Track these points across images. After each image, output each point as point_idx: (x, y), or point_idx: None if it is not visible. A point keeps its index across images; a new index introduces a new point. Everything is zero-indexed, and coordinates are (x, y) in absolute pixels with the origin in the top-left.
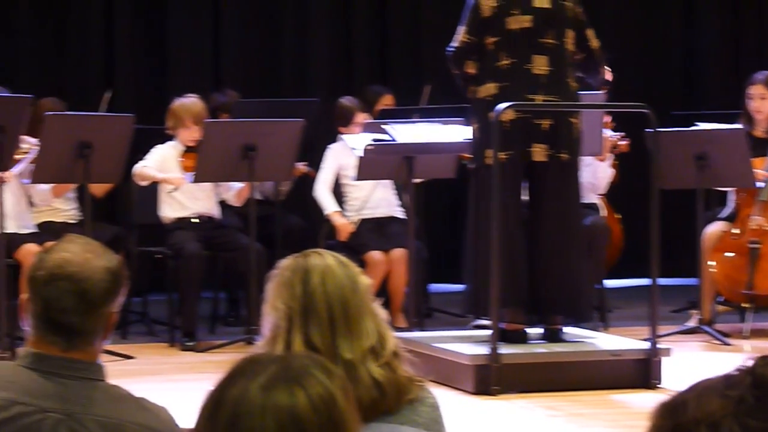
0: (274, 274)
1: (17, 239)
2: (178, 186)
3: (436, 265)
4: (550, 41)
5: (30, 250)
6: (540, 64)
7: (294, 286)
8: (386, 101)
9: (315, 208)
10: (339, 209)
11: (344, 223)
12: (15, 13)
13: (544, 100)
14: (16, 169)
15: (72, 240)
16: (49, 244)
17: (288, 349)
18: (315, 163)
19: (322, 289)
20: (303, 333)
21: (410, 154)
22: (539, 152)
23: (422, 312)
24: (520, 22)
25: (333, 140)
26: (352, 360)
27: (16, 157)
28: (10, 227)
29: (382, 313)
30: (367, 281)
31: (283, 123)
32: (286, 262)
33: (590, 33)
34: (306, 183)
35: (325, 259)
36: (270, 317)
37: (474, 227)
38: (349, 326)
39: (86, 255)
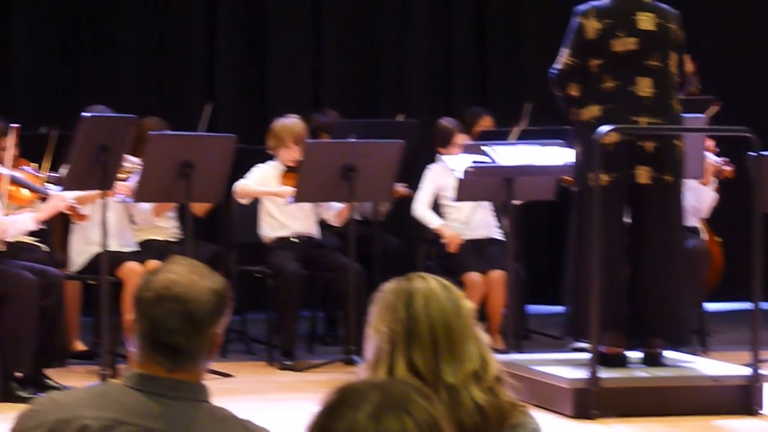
0: (378, 297)
1: (119, 257)
2: (287, 197)
3: (534, 286)
4: (655, 63)
5: (132, 268)
6: (644, 87)
7: (397, 309)
8: (485, 123)
9: (413, 228)
10: (444, 222)
11: (453, 234)
12: (118, 34)
13: (649, 123)
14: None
15: (178, 261)
16: (151, 262)
17: (391, 373)
18: (414, 184)
19: (426, 312)
20: (406, 356)
21: (510, 175)
22: (643, 174)
23: (520, 334)
24: (625, 44)
25: (432, 161)
26: (454, 384)
27: (120, 176)
28: (113, 245)
29: (485, 338)
30: (470, 305)
31: (382, 144)
32: (389, 286)
33: (687, 57)
34: (405, 204)
35: (428, 283)
36: (373, 340)
37: (576, 250)
38: (451, 350)
39: (192, 276)
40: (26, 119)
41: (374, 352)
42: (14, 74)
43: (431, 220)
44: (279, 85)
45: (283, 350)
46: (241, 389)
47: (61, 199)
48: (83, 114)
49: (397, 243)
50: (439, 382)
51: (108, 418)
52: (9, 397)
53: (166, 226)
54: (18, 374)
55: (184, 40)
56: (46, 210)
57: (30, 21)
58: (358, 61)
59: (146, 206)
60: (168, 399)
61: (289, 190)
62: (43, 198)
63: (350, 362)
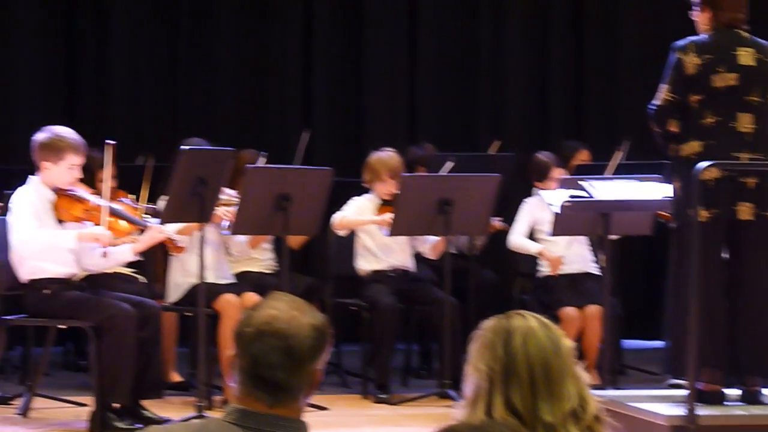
0: (477, 335)
1: (216, 289)
2: (387, 225)
3: (630, 321)
4: (755, 99)
5: (228, 300)
6: (745, 122)
7: (496, 347)
8: (582, 156)
9: (509, 262)
10: (542, 246)
11: (555, 256)
12: (215, 67)
13: (750, 159)
14: (225, 223)
15: (278, 297)
16: (247, 294)
17: (489, 411)
18: (509, 217)
19: (524, 351)
20: (504, 395)
21: (607, 210)
22: (745, 211)
23: (616, 369)
24: (725, 80)
25: (528, 195)
26: (552, 423)
27: (222, 209)
28: (209, 277)
29: (585, 376)
30: (569, 344)
31: (479, 177)
32: (488, 323)
33: None
34: (500, 238)
35: (527, 321)
36: (471, 378)
37: (675, 286)
38: (550, 389)
39: (293, 312)
40: (123, 151)
41: (473, 390)
42: (112, 106)
43: (530, 246)
44: (375, 118)
45: (378, 383)
46: (336, 422)
47: (159, 231)
48: (182, 147)
49: (492, 277)
50: (537, 420)
51: None
52: (106, 428)
53: (261, 258)
54: (115, 405)
55: (282, 72)
56: (144, 241)
57: (127, 53)
58: (455, 94)
59: (242, 238)
60: None
61: (389, 216)
62: (141, 230)
63: (445, 396)
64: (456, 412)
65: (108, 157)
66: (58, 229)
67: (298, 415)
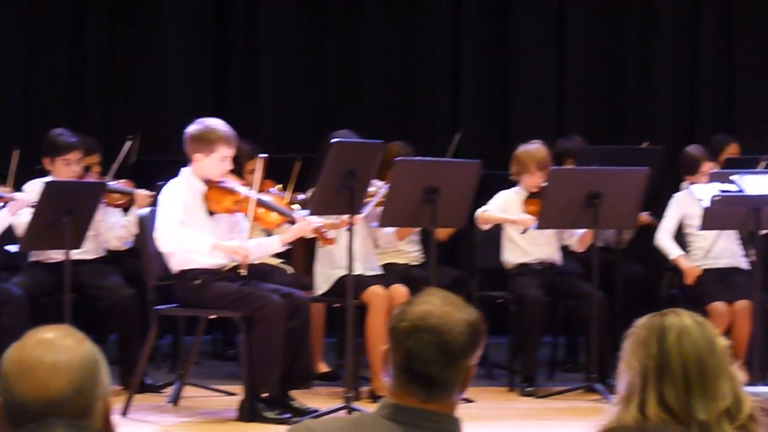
0: (631, 332)
1: (364, 281)
2: (527, 226)
3: None
4: None
5: (376, 292)
6: None
7: (650, 344)
8: (732, 150)
9: (656, 257)
10: (684, 253)
11: (691, 267)
12: (364, 60)
13: None
14: (363, 212)
15: (432, 293)
16: (394, 286)
17: (642, 408)
18: (657, 211)
19: (678, 348)
20: (657, 392)
21: (758, 205)
22: None
23: (765, 365)
24: None
25: (676, 189)
26: (707, 422)
27: (365, 200)
28: (357, 269)
29: (740, 376)
30: (724, 342)
31: (627, 171)
32: (642, 321)
33: None
34: (648, 232)
35: (681, 319)
36: (625, 375)
37: None
38: (704, 387)
39: (447, 308)
40: (272, 142)
41: (626, 387)
42: (261, 98)
43: (671, 251)
44: (523, 111)
45: (524, 376)
46: (482, 415)
47: (309, 223)
48: (333, 140)
49: (640, 271)
50: (691, 419)
51: None
52: (255, 417)
53: (408, 250)
54: (264, 395)
55: (429, 64)
56: (293, 233)
57: (276, 47)
58: (603, 86)
59: (390, 230)
60: (422, 429)
61: (529, 218)
62: (290, 221)
63: (591, 390)
64: (608, 409)
65: (259, 169)
66: (208, 221)
67: (451, 411)
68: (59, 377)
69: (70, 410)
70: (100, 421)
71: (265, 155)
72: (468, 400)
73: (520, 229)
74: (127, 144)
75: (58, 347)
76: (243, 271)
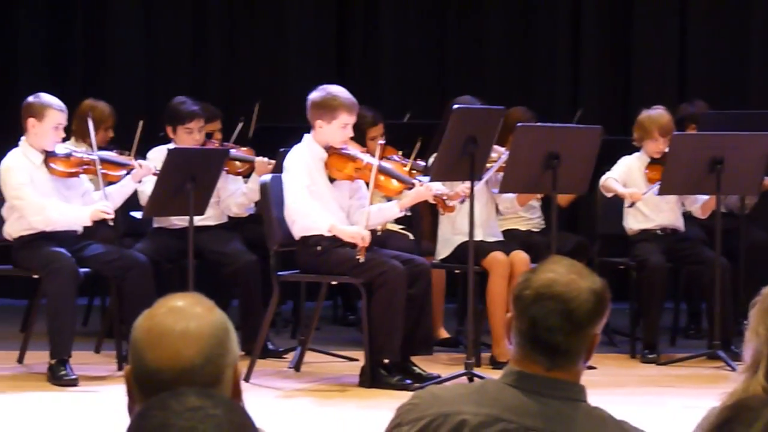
0: (757, 300)
1: (485, 247)
2: (635, 201)
3: None
4: None
5: (497, 258)
6: None
7: None
8: None
9: None
10: None
11: None
12: (484, 24)
13: None
14: (484, 177)
15: (557, 261)
16: (515, 252)
17: None
18: None
19: None
20: None
21: None
22: None
23: None
24: None
25: None
26: None
27: (486, 165)
28: (478, 235)
29: None
30: None
31: (752, 136)
32: None
33: None
34: None
35: None
36: (751, 343)
37: None
38: None
39: (571, 276)
40: (393, 109)
41: (752, 355)
42: (382, 65)
43: None
44: (645, 76)
45: (646, 343)
46: (603, 382)
47: (428, 189)
48: (454, 106)
49: (763, 237)
50: None
51: (486, 414)
52: (376, 383)
53: (529, 216)
54: (385, 360)
55: (549, 28)
56: (411, 197)
57: (397, 14)
58: (726, 51)
59: (510, 196)
60: (546, 397)
61: (637, 193)
62: (411, 188)
63: (714, 357)
64: (733, 377)
65: (379, 129)
66: (330, 187)
67: (576, 379)
68: (189, 345)
69: (200, 378)
70: (229, 389)
71: (383, 142)
72: (589, 367)
73: (627, 202)
74: (254, 112)
75: (188, 315)
76: (360, 258)
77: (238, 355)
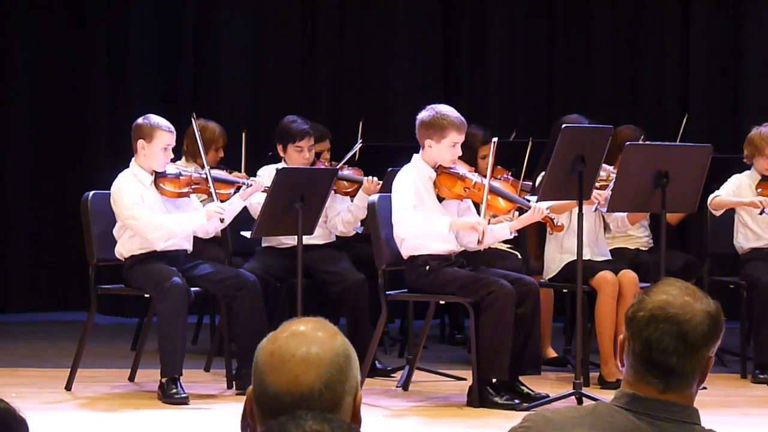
0: None
1: (593, 266)
2: (764, 207)
3: None
4: None
5: (605, 277)
6: None
7: None
8: None
9: None
10: None
11: None
12: (591, 42)
13: None
14: (603, 210)
15: (670, 283)
16: (624, 272)
17: None
18: None
19: None
20: None
21: None
22: None
23: None
24: None
25: None
26: None
27: (596, 185)
28: (586, 254)
29: None
30: None
31: None
32: None
33: None
34: None
35: None
36: None
37: None
38: None
39: (686, 298)
40: (500, 128)
41: None
42: (489, 84)
43: None
44: (754, 93)
45: (757, 363)
46: (713, 402)
47: (540, 211)
48: (563, 125)
49: None
50: None
51: None
52: (484, 403)
53: (638, 235)
54: (494, 380)
55: (657, 46)
56: (523, 221)
57: (504, 32)
58: None
59: (622, 214)
60: (658, 420)
61: (764, 199)
62: (519, 207)
63: None
64: None
65: (491, 153)
66: (438, 207)
67: (689, 402)
68: (309, 371)
69: (319, 404)
70: (348, 415)
71: (496, 139)
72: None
73: (756, 211)
74: (358, 143)
75: (310, 340)
76: (481, 246)
77: (358, 382)
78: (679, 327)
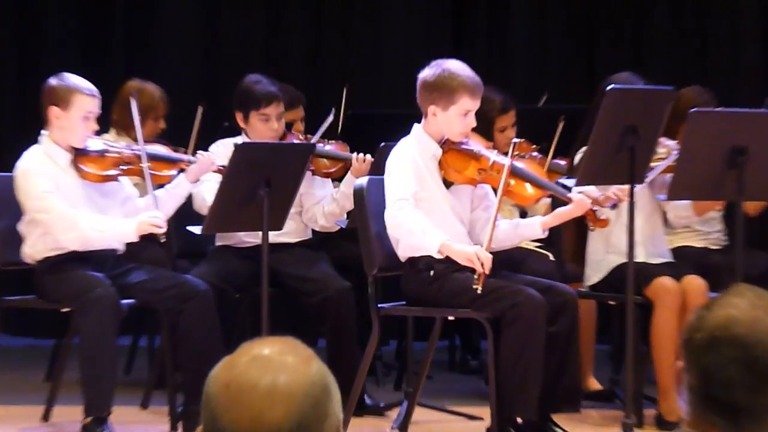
0: None
1: (648, 270)
2: None
3: None
4: None
5: (664, 285)
6: None
7: None
8: None
9: None
10: None
11: None
12: None
13: None
14: (647, 179)
15: (741, 292)
16: (689, 278)
17: None
18: None
19: None
20: None
21: None
22: None
23: None
24: None
25: None
26: None
27: (651, 164)
28: (640, 255)
29: None
30: None
31: None
32: None
33: None
34: None
35: None
36: None
37: None
38: None
39: (757, 312)
40: (526, 93)
41: None
42: (511, 34)
43: None
44: None
45: None
46: None
47: (584, 203)
48: (609, 86)
49: None
50: None
51: None
52: None
53: (706, 230)
54: (519, 420)
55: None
56: (559, 216)
57: None
58: None
59: (685, 203)
60: None
61: None
62: (552, 195)
63: None
64: None
65: (509, 119)
66: (444, 195)
67: None
68: (276, 407)
69: None
70: None
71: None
72: None
73: None
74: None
75: (276, 367)
76: (478, 288)
77: (341, 422)
78: (746, 352)
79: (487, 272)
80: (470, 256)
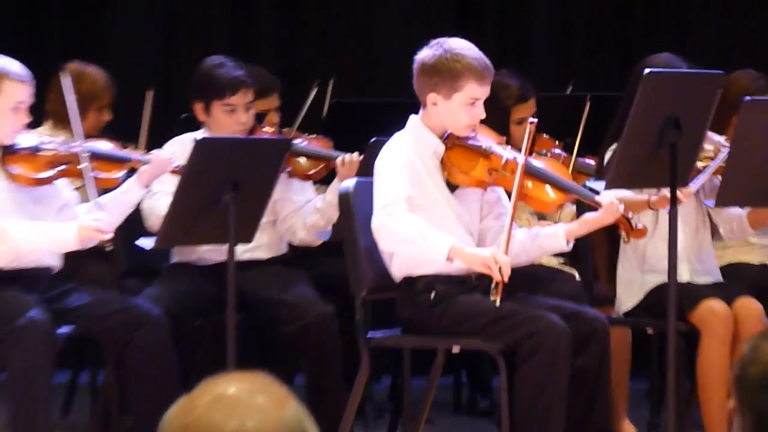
0: None
1: (693, 292)
2: None
3: None
4: None
5: (713, 309)
6: None
7: None
8: None
9: None
10: None
11: None
12: None
13: None
14: (694, 185)
15: None
16: (742, 300)
17: None
18: None
19: None
20: None
21: None
22: None
23: None
24: None
25: None
26: None
27: (698, 164)
28: (683, 274)
29: None
30: None
31: None
32: None
33: None
34: None
35: None
36: None
37: None
38: None
39: None
40: (546, 77)
41: None
42: (531, 27)
43: None
44: None
45: None
46: None
47: (614, 209)
48: (646, 70)
49: None
50: None
51: None
52: None
53: (764, 243)
54: None
55: None
56: (586, 223)
57: None
58: None
59: (738, 212)
60: None
61: None
62: (578, 199)
63: None
64: None
65: (527, 144)
66: (448, 200)
67: None
68: None
69: None
70: None
71: (535, 120)
72: None
73: None
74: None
75: (244, 409)
76: (496, 299)
77: None
78: None
79: (506, 280)
80: (486, 260)
